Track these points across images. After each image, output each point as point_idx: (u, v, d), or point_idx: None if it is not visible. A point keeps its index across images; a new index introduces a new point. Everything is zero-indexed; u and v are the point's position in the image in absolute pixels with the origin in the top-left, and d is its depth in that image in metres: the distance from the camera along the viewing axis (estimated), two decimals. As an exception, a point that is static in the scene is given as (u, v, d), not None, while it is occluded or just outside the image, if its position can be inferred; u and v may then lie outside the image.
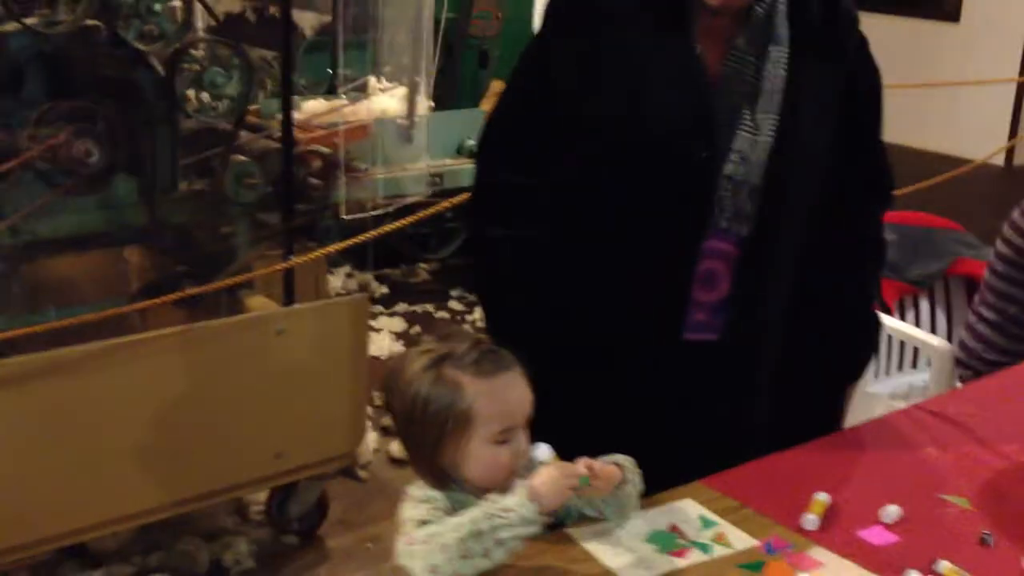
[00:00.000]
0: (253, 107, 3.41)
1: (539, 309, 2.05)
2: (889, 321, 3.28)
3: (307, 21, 5.48)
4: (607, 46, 1.91)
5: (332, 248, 3.04)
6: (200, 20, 3.18)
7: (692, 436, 2.02)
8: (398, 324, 5.30)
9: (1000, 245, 3.04)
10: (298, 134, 3.18)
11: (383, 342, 4.99)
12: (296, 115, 3.39)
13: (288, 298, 3.02)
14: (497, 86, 5.32)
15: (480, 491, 1.61)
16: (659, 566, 1.64)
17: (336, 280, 5.55)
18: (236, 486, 3.17)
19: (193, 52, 2.86)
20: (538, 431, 1.96)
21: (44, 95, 2.67)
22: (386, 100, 3.89)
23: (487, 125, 2.11)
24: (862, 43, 2.07)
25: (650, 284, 1.97)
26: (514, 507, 1.52)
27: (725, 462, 1.96)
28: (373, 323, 5.10)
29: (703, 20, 1.91)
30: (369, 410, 3.63)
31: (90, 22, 2.70)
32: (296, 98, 3.63)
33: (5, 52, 2.62)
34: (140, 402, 2.85)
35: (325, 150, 3.20)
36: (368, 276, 5.65)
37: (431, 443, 1.61)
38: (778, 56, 1.93)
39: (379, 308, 5.38)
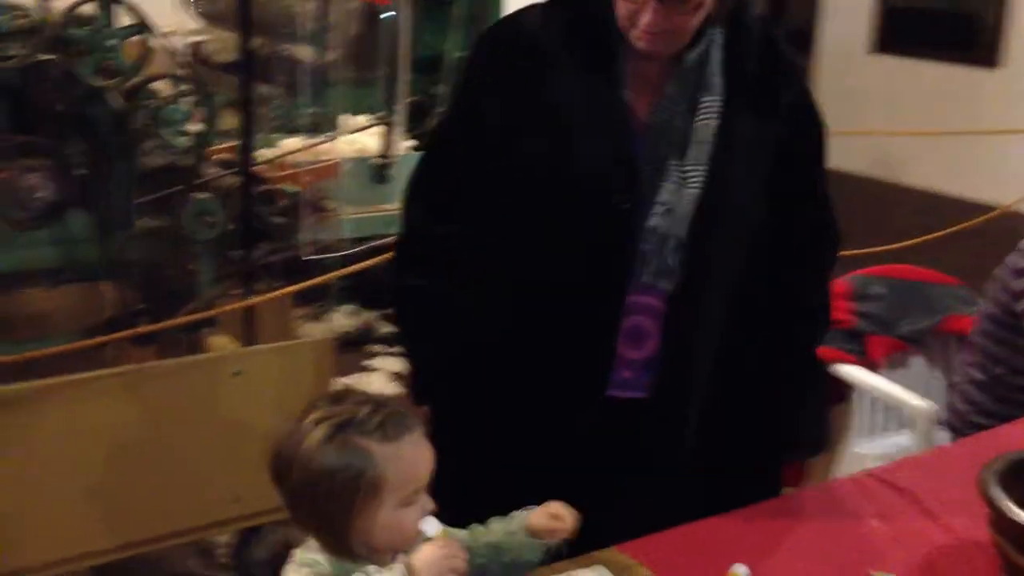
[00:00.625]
0: (228, 144, 3.37)
1: (458, 361, 1.97)
2: (873, 379, 3.16)
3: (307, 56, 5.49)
4: (533, 86, 1.86)
5: (292, 288, 2.98)
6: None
7: (615, 497, 1.93)
8: (397, 364, 5.23)
9: (986, 303, 2.92)
10: (265, 172, 3.14)
11: (379, 383, 4.92)
12: (271, 152, 3.35)
13: (247, 338, 2.96)
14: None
15: (383, 556, 1.54)
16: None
17: (342, 318, 5.50)
18: (195, 529, 3.09)
19: (154, 88, 2.82)
20: (455, 486, 1.88)
21: (-2, 128, 2.64)
22: (365, 139, 3.83)
23: (415, 170, 2.04)
24: (802, 95, 1.98)
25: (574, 338, 1.90)
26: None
27: (650, 526, 1.87)
28: (371, 363, 5.04)
29: (633, 65, 1.85)
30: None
31: (44, 57, 2.67)
32: (275, 135, 3.61)
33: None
34: (93, 440, 2.78)
35: (290, 188, 3.15)
36: (372, 315, 5.59)
37: (337, 514, 1.52)
38: (709, 105, 1.86)
39: (379, 347, 5.31)
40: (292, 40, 4.48)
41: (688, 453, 2.01)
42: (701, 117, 1.85)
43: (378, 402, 1.57)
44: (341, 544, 1.54)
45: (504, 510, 1.75)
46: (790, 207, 1.96)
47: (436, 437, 2.03)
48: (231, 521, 3.12)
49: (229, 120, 4.60)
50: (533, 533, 1.69)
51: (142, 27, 2.79)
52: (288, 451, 1.54)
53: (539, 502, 1.75)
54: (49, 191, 2.64)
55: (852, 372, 3.14)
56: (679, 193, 1.84)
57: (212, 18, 5.59)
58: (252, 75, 2.76)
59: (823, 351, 3.12)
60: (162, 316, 2.88)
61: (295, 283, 3.04)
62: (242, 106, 2.79)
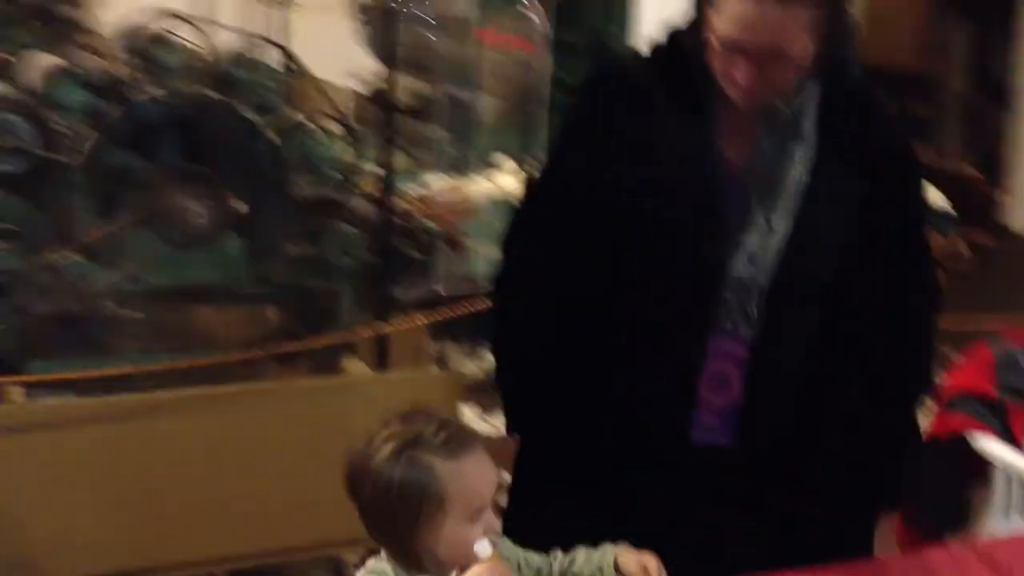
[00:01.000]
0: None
1: (548, 395, 2.06)
2: (1014, 456, 3.06)
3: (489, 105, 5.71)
4: (630, 132, 1.92)
5: (423, 320, 3.15)
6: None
7: (694, 546, 1.96)
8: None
9: None
10: (408, 208, 3.34)
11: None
12: (418, 190, 3.56)
13: (380, 365, 3.14)
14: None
15: (447, 570, 1.64)
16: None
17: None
18: (326, 544, 3.27)
19: (307, 125, 3.06)
20: (538, 514, 1.99)
21: (165, 158, 2.92)
22: (507, 179, 3.99)
23: (518, 209, 2.16)
24: (902, 147, 2.01)
25: (657, 380, 1.94)
26: None
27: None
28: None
29: (729, 114, 1.90)
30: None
31: (211, 94, 2.94)
32: (424, 173, 3.82)
33: (136, 117, 2.88)
34: (233, 450, 2.99)
35: (430, 225, 3.34)
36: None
37: (405, 528, 1.62)
38: (801, 157, 1.90)
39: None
40: (459, 84, 4.72)
41: (773, 503, 2.03)
42: (792, 168, 1.90)
43: (444, 421, 1.66)
44: (408, 556, 1.64)
45: (584, 539, 1.83)
46: (880, 261, 1.97)
47: (523, 465, 2.14)
48: (363, 540, 3.28)
49: (400, 159, 4.87)
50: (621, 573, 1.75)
51: (298, 70, 3.04)
52: (360, 466, 1.66)
53: (619, 537, 1.82)
54: (205, 216, 2.89)
55: (991, 446, 3.05)
56: (764, 243, 1.89)
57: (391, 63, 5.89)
58: (393, 115, 2.96)
59: (963, 423, 3.09)
60: (304, 338, 3.10)
61: (431, 315, 3.21)
62: (384, 144, 2.99)
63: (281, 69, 3.09)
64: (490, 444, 1.72)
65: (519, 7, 3.55)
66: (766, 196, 1.90)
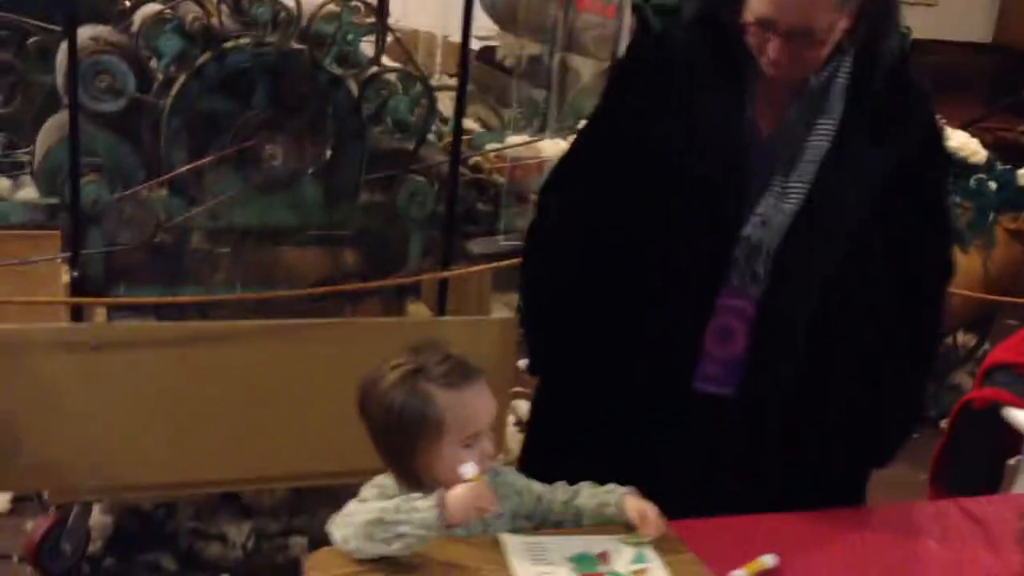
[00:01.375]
0: (466, 136, 3.73)
1: (569, 339, 2.20)
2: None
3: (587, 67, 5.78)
4: (669, 98, 2.04)
5: (481, 268, 3.30)
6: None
7: (693, 486, 2.09)
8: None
9: None
10: (484, 163, 3.48)
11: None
12: (495, 146, 3.70)
13: (440, 309, 3.30)
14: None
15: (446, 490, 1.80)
16: (556, 576, 1.76)
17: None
18: (377, 469, 3.46)
19: (386, 79, 3.21)
20: (551, 449, 2.14)
21: (249, 105, 3.11)
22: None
23: (557, 163, 2.29)
24: (928, 128, 2.08)
25: (667, 328, 2.08)
26: (420, 509, 1.71)
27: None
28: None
29: (763, 84, 2.00)
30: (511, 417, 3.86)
31: (295, 46, 3.11)
32: (504, 132, 3.96)
33: (225, 64, 3.07)
34: (297, 378, 3.19)
35: (499, 179, 3.47)
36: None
37: (406, 449, 1.81)
38: (825, 128, 1.99)
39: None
40: (565, 47, 4.81)
41: (769, 454, 2.14)
42: (814, 138, 1.99)
43: (448, 355, 1.84)
44: (409, 475, 1.83)
45: (589, 477, 1.97)
46: (899, 232, 2.06)
47: (541, 405, 2.29)
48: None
49: (492, 117, 4.99)
50: (629, 523, 1.89)
51: (380, 26, 3.19)
52: (369, 391, 1.85)
53: (621, 477, 1.96)
54: (281, 160, 3.07)
55: (1022, 418, 3.08)
56: (777, 207, 2.00)
57: (504, 23, 6.01)
58: (466, 72, 3.09)
59: (996, 394, 3.11)
60: (372, 280, 3.27)
61: (492, 264, 3.35)
62: (457, 100, 3.13)
63: (366, 24, 3.23)
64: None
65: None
66: (787, 164, 1.99)
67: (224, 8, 3.23)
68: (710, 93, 2.02)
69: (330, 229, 3.30)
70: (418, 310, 3.42)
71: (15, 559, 3.23)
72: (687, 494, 2.05)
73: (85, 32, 3.27)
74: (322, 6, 3.09)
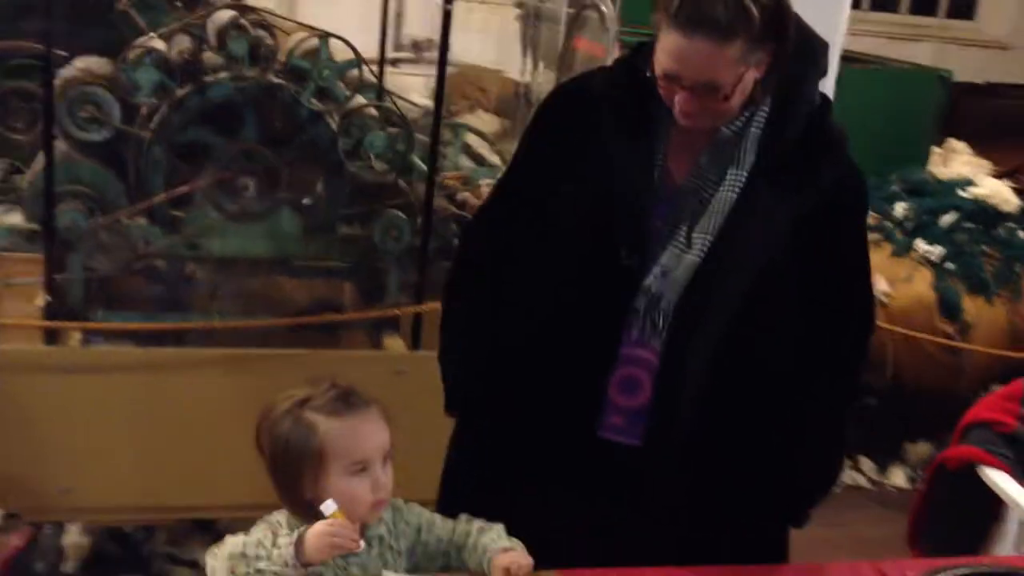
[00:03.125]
0: (459, 172, 3.76)
1: (480, 375, 2.19)
2: (1017, 490, 2.98)
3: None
4: (585, 141, 2.03)
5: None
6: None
7: (603, 535, 2.07)
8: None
9: None
10: (467, 198, 3.49)
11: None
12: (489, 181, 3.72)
13: (415, 342, 3.31)
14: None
15: None
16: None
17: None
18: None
19: (364, 115, 3.25)
20: (465, 484, 2.15)
21: (229, 137, 3.17)
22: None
23: (478, 207, 2.31)
24: (844, 174, 2.03)
25: (570, 376, 2.06)
26: (280, 546, 1.71)
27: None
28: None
29: (679, 133, 1.98)
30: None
31: (275, 80, 3.16)
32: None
33: (205, 97, 3.14)
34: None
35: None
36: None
37: (294, 480, 1.81)
38: (733, 180, 1.96)
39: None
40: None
41: (678, 507, 2.11)
42: (722, 189, 1.96)
43: (340, 387, 1.84)
44: (301, 508, 1.83)
45: (496, 518, 1.96)
46: (812, 278, 2.01)
47: (458, 441, 2.28)
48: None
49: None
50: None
51: (356, 62, 3.23)
52: (260, 423, 1.86)
53: (527, 520, 1.95)
54: (253, 191, 3.12)
55: (997, 478, 2.99)
56: (679, 258, 1.97)
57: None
58: (440, 105, 3.12)
59: (970, 452, 3.03)
60: (351, 312, 3.31)
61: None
62: (432, 136, 3.15)
63: (344, 61, 3.28)
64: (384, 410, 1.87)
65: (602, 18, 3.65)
66: (693, 214, 1.97)
67: (206, 41, 3.29)
68: (621, 139, 2.00)
69: (308, 261, 3.35)
70: (394, 343, 3.44)
71: (-11, 576, 3.30)
72: (594, 543, 2.04)
73: (79, 63, 3.37)
74: (301, 42, 3.15)
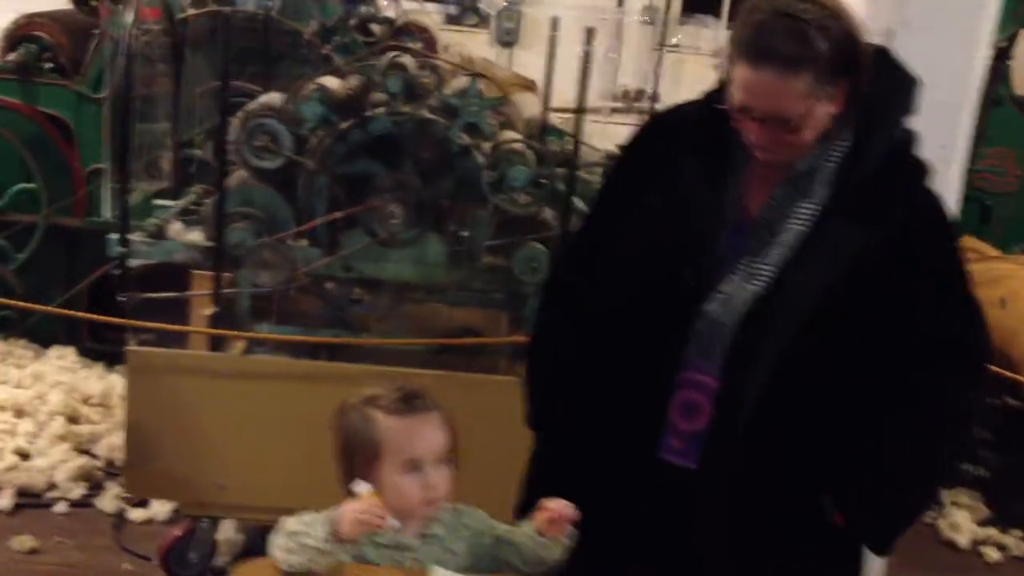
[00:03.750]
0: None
1: (558, 400, 2.28)
2: None
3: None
4: (671, 171, 2.10)
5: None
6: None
7: (663, 558, 2.12)
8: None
9: None
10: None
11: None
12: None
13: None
14: (968, 242, 5.15)
15: (401, 520, 1.93)
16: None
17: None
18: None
19: (510, 149, 3.42)
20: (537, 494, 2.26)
21: (382, 167, 3.41)
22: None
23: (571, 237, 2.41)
24: (922, 210, 2.04)
25: (629, 401, 2.12)
26: (321, 522, 1.86)
27: None
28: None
29: (757, 166, 2.05)
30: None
31: (428, 116, 3.39)
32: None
33: (367, 130, 3.40)
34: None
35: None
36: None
37: (352, 469, 1.96)
38: (804, 212, 2.01)
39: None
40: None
41: (742, 532, 2.12)
42: (791, 222, 2.01)
43: (408, 389, 1.97)
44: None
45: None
46: (886, 314, 2.00)
47: (536, 457, 2.38)
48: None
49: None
50: (540, 533, 1.96)
51: (502, 99, 3.41)
52: (335, 415, 2.02)
53: (596, 539, 2.03)
54: (400, 220, 3.34)
55: None
56: (741, 287, 2.02)
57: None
58: (577, 148, 3.25)
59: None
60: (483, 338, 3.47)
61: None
62: (569, 171, 3.29)
63: (491, 99, 3.47)
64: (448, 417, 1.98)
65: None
66: (760, 245, 2.02)
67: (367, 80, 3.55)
68: (697, 168, 2.07)
69: (454, 288, 3.54)
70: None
71: (153, 560, 3.62)
72: (661, 567, 2.08)
73: (264, 97, 3.71)
74: (451, 78, 3.36)
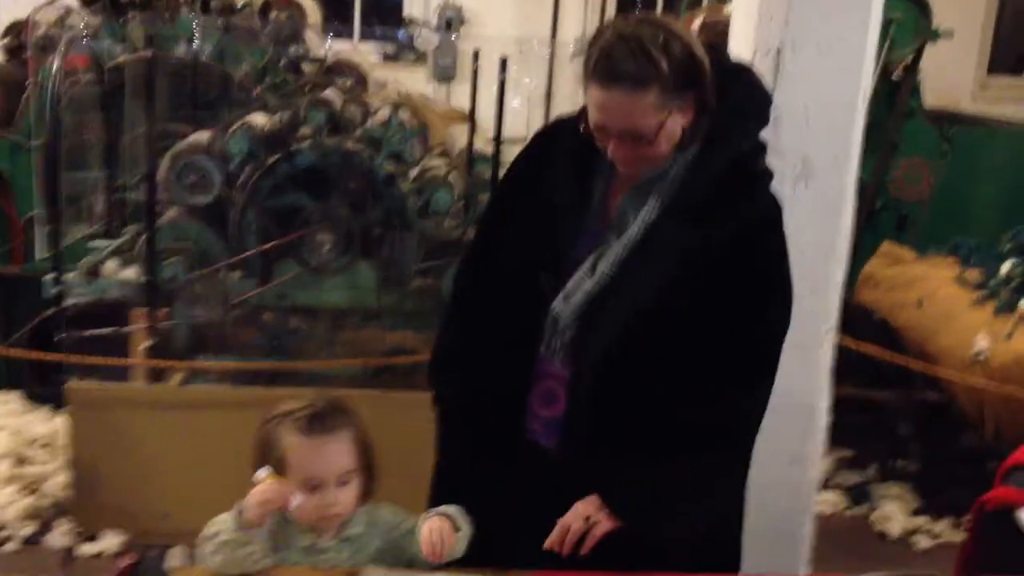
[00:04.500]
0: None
1: (452, 382, 2.36)
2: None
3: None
4: (544, 178, 2.22)
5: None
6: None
7: (531, 533, 2.15)
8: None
9: None
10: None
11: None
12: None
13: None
14: (886, 248, 5.34)
15: (304, 527, 2.03)
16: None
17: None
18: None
19: (432, 175, 3.57)
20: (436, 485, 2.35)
21: (310, 198, 3.54)
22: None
23: None
24: (757, 215, 2.14)
25: (503, 388, 2.21)
26: (229, 517, 1.94)
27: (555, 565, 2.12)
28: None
29: (622, 177, 2.16)
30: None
31: (352, 147, 3.52)
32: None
33: (294, 164, 3.53)
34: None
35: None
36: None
37: None
38: (644, 217, 2.13)
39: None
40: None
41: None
42: (633, 225, 2.13)
43: (317, 406, 2.04)
44: None
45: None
46: (705, 314, 2.09)
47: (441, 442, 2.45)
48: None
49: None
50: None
51: (424, 129, 3.56)
52: (257, 428, 2.11)
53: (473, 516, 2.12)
54: (330, 247, 3.47)
55: (1032, 523, 2.96)
56: (580, 284, 2.14)
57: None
58: (497, 160, 3.39)
59: (1008, 494, 3.03)
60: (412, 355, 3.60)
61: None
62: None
63: (413, 128, 3.62)
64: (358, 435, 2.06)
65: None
66: (608, 247, 2.13)
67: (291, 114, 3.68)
68: (564, 179, 2.20)
69: (384, 311, 3.66)
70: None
71: (102, 595, 3.68)
72: (529, 541, 2.12)
73: (193, 137, 3.83)
74: (375, 111, 3.50)
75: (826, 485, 4.89)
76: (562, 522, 2.07)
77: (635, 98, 2.00)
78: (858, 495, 4.75)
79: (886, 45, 5.20)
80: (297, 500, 1.96)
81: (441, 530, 2.02)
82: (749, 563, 2.43)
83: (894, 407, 4.99)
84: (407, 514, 2.14)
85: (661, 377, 2.12)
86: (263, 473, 1.97)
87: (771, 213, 2.17)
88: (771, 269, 2.16)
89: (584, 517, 2.07)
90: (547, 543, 2.06)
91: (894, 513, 4.59)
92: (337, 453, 2.01)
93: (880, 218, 5.65)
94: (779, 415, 2.96)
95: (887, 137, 5.42)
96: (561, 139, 2.26)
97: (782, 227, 2.18)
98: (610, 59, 1.99)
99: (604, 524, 2.06)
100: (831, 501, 4.68)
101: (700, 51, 2.05)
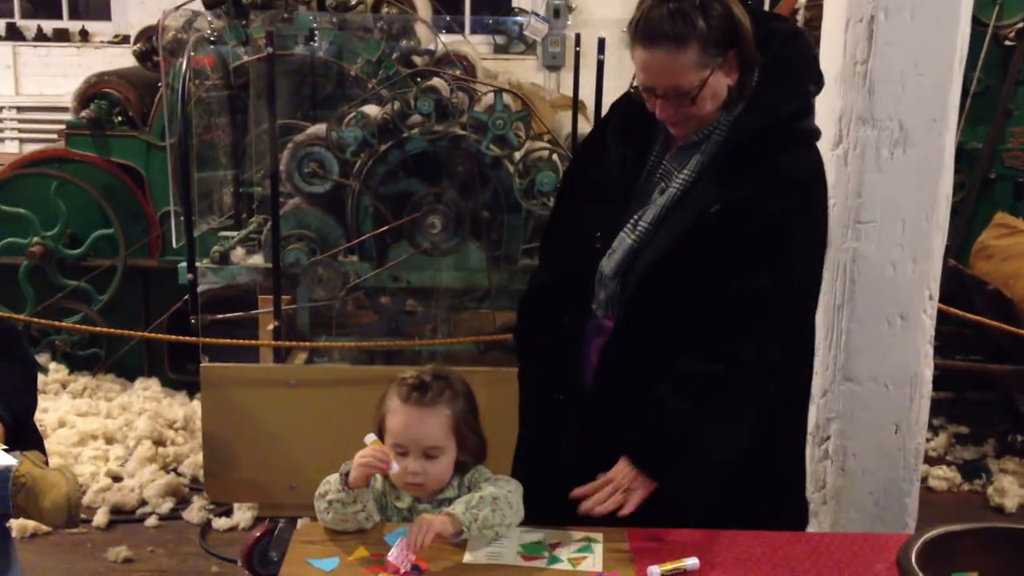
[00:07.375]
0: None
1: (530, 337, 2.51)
2: None
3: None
4: (595, 151, 2.37)
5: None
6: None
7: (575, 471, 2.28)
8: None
9: None
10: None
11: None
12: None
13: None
14: (1000, 218, 5.28)
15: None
16: (500, 558, 2.06)
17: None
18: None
19: (536, 156, 3.69)
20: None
21: (421, 183, 3.70)
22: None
23: None
24: (783, 174, 2.18)
25: (563, 342, 2.35)
26: (336, 478, 2.12)
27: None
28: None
29: (676, 140, 2.27)
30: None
31: (459, 132, 3.67)
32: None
33: (405, 150, 3.69)
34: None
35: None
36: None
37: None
38: (686, 175, 2.22)
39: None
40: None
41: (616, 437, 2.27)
42: (672, 186, 2.23)
43: (431, 376, 2.18)
44: None
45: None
46: (724, 268, 2.15)
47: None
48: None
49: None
50: None
51: (527, 112, 3.68)
52: None
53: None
54: (440, 229, 3.62)
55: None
56: (622, 242, 2.24)
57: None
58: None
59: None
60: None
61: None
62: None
63: (515, 111, 3.74)
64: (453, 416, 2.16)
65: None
66: (649, 206, 2.23)
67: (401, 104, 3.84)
68: (619, 145, 2.31)
69: (493, 290, 3.80)
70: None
71: (238, 563, 3.90)
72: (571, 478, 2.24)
73: (312, 129, 4.03)
74: (480, 97, 3.64)
75: (942, 460, 4.88)
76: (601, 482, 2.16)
77: (675, 56, 2.12)
78: (971, 470, 4.72)
79: (995, 10, 5.13)
80: (395, 467, 2.10)
81: (431, 524, 2.04)
82: (855, 528, 2.48)
83: (1012, 381, 4.93)
84: (496, 481, 2.23)
85: (678, 328, 2.20)
86: (370, 439, 2.13)
87: (797, 175, 2.21)
88: (785, 231, 2.19)
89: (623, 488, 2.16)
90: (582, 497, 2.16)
91: (1011, 487, 4.56)
92: (428, 427, 2.14)
93: (995, 188, 5.57)
94: (882, 383, 3.04)
95: (999, 104, 5.34)
96: (627, 107, 2.36)
97: (812, 189, 2.24)
98: (649, 21, 2.11)
99: (640, 492, 2.16)
100: (946, 477, 4.66)
101: (739, 10, 2.15)
